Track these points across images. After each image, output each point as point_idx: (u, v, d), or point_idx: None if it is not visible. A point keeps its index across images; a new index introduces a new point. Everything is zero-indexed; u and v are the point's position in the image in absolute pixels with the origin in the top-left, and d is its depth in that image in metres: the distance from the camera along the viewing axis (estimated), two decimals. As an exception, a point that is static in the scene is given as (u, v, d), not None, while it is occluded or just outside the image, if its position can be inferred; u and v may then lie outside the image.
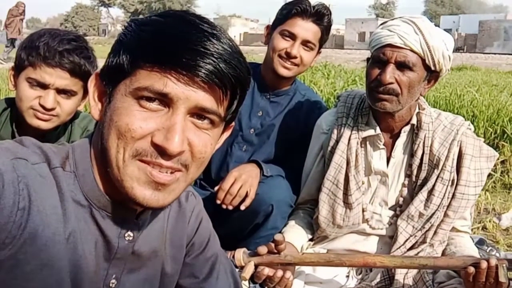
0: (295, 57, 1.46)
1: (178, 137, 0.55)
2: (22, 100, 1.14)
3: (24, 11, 10.47)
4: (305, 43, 1.47)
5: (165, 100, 0.56)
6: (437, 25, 1.23)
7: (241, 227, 1.43)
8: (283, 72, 1.48)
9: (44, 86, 1.13)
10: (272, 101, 1.56)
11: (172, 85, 0.55)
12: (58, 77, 1.12)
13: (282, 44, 1.46)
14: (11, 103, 1.23)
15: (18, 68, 1.15)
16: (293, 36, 1.46)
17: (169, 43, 0.55)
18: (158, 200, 0.58)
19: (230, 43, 0.58)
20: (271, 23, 1.58)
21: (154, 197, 0.58)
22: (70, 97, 1.17)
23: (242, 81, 0.59)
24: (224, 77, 0.56)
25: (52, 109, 1.14)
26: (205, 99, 0.56)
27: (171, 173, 0.58)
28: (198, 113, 0.58)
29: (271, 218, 1.38)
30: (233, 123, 0.67)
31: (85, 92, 1.21)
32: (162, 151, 0.56)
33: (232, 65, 0.56)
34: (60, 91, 1.15)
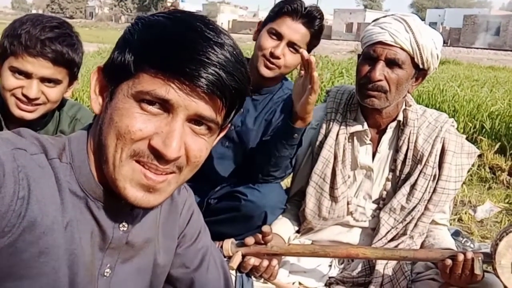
0: (278, 58, 1.39)
1: (176, 144, 0.56)
2: (5, 89, 1.11)
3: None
4: (291, 44, 1.39)
5: (166, 105, 0.57)
6: (423, 18, 1.24)
7: (230, 231, 1.37)
8: (264, 72, 1.42)
9: (27, 75, 1.10)
10: (254, 99, 1.52)
11: (174, 92, 0.55)
12: (40, 67, 1.09)
13: (267, 43, 1.40)
14: None
15: (1, 57, 1.12)
16: (279, 36, 1.39)
17: (174, 52, 0.55)
18: (149, 201, 0.60)
19: (234, 52, 0.59)
20: (260, 14, 1.51)
21: (145, 199, 0.59)
22: (55, 85, 1.14)
23: (242, 91, 0.60)
24: (225, 88, 0.57)
25: (36, 98, 1.11)
26: (204, 109, 0.57)
27: (165, 174, 0.59)
28: (197, 119, 0.59)
29: (264, 224, 1.34)
30: (227, 126, 0.68)
31: (71, 79, 1.19)
32: (159, 156, 0.57)
33: (233, 76, 0.57)
34: (44, 80, 1.12)
